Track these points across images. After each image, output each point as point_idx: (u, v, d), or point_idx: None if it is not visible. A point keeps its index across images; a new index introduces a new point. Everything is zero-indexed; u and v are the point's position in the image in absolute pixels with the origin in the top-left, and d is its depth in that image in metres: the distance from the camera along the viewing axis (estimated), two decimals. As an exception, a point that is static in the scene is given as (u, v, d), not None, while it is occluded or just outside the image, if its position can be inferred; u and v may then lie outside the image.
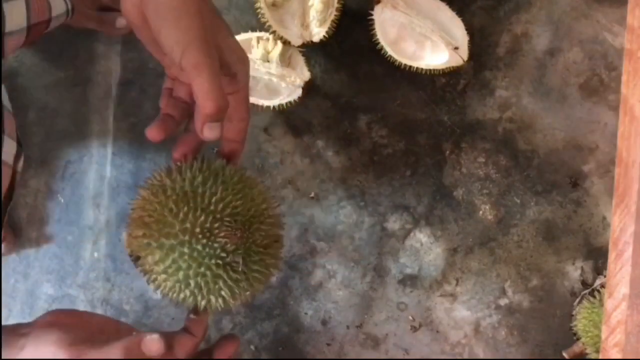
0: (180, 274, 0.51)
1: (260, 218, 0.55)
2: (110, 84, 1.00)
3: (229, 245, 0.51)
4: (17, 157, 0.77)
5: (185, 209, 0.51)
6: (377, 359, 0.93)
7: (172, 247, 0.51)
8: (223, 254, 0.51)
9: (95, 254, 0.98)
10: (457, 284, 0.92)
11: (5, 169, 0.73)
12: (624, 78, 0.85)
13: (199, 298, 0.53)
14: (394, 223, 0.94)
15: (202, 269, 0.51)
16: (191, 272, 0.51)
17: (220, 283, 0.52)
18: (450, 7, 0.90)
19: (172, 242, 0.51)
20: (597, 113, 0.92)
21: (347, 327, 0.93)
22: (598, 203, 0.91)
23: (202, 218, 0.51)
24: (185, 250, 0.51)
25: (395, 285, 0.93)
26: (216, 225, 0.51)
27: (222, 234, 0.51)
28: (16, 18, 0.60)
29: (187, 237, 0.50)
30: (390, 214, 0.94)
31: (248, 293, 0.55)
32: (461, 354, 0.92)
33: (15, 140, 0.77)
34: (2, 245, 0.98)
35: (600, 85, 0.93)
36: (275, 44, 0.90)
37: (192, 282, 0.52)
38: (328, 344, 0.93)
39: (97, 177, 0.98)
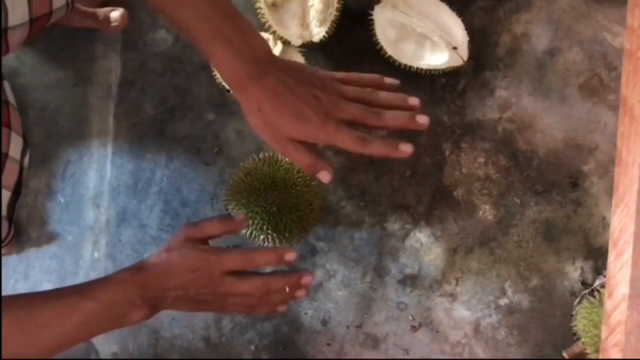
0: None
1: (292, 188, 0.81)
2: (110, 84, 1.00)
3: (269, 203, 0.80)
4: (23, 153, 0.77)
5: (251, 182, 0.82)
6: (377, 359, 0.93)
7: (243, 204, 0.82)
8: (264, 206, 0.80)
9: (95, 254, 0.98)
10: (457, 284, 0.92)
11: (12, 165, 0.74)
12: (623, 78, 0.85)
13: (256, 232, 0.82)
14: (394, 223, 0.94)
15: (255, 215, 0.81)
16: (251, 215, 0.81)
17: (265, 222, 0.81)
18: (450, 7, 0.90)
19: (243, 201, 0.82)
20: (597, 113, 0.93)
21: (347, 327, 0.93)
22: (598, 203, 0.91)
23: (256, 182, 0.81)
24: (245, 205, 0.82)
25: (395, 285, 0.93)
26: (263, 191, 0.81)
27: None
28: (18, 11, 0.60)
29: (250, 199, 0.81)
30: (390, 214, 0.94)
31: (287, 235, 0.81)
32: (461, 354, 0.92)
33: (22, 136, 0.77)
34: (2, 247, 0.98)
35: (600, 85, 0.93)
36: (275, 44, 0.90)
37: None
38: (328, 344, 0.93)
39: (97, 177, 0.99)
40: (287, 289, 0.74)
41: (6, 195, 0.76)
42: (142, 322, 0.68)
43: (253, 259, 0.72)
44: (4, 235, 0.79)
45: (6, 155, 0.74)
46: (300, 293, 0.75)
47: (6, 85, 0.79)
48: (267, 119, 0.65)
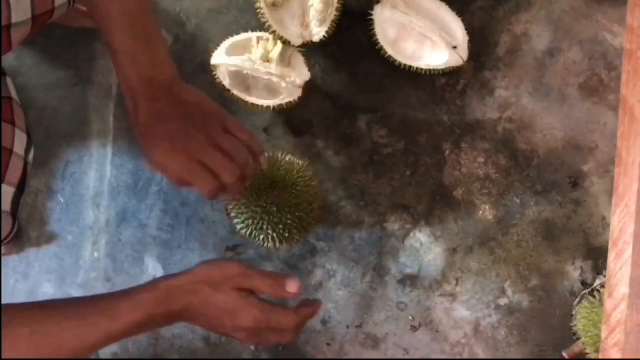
0: (243, 217, 0.82)
1: (292, 188, 0.81)
2: (110, 84, 1.00)
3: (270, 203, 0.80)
4: (27, 149, 0.78)
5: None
6: (377, 359, 0.93)
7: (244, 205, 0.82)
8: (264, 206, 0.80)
9: (95, 254, 0.98)
10: (457, 284, 0.92)
11: (17, 162, 0.74)
12: (623, 78, 0.85)
13: (255, 232, 0.82)
14: (394, 223, 0.94)
15: (255, 215, 0.81)
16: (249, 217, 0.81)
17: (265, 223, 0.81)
18: (450, 7, 0.90)
19: (243, 201, 0.81)
20: (597, 113, 0.92)
21: (347, 327, 0.93)
22: (598, 203, 0.91)
23: (255, 182, 0.80)
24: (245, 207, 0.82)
25: (395, 285, 0.93)
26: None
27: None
28: (21, 9, 0.60)
29: (250, 199, 0.81)
30: (390, 214, 0.94)
31: (287, 235, 0.81)
32: (461, 353, 0.92)
33: (26, 132, 0.78)
34: (3, 245, 0.98)
35: (600, 85, 0.93)
36: (275, 44, 0.90)
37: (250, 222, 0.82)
38: (328, 344, 0.93)
39: (97, 177, 0.99)
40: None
41: (10, 191, 0.76)
42: None
43: (296, 327, 0.71)
44: (7, 231, 0.79)
45: (11, 151, 0.74)
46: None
47: (9, 82, 0.79)
48: (142, 132, 0.69)
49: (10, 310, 0.61)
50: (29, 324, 0.60)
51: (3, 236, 0.79)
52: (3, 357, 0.58)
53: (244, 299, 0.68)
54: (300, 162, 0.85)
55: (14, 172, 0.75)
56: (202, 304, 0.67)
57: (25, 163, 0.79)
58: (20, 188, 0.78)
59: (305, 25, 0.90)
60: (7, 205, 0.75)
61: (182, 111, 0.70)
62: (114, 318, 0.64)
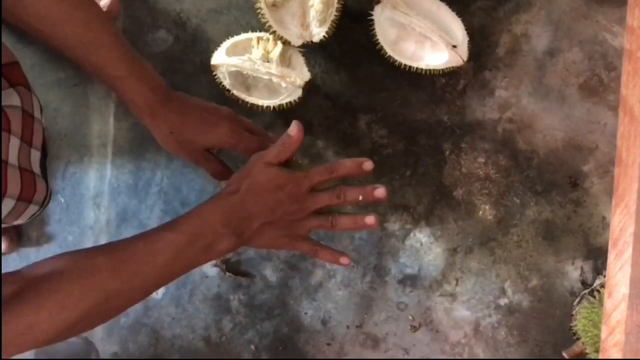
0: None
1: None
2: (110, 84, 1.00)
3: None
4: (41, 111, 0.80)
5: None
6: (377, 359, 0.93)
7: None
8: None
9: (96, 254, 0.98)
10: (457, 284, 0.92)
11: (38, 126, 0.79)
12: (623, 78, 0.85)
13: None
14: (394, 223, 0.94)
15: None
16: None
17: None
18: (450, 7, 0.90)
19: None
20: (597, 113, 0.93)
21: (347, 327, 0.93)
22: (598, 203, 0.91)
23: None
24: None
25: (395, 285, 0.93)
26: None
27: None
28: None
29: None
30: (390, 214, 0.94)
31: None
32: (461, 353, 0.92)
33: (34, 93, 0.79)
34: (3, 245, 0.98)
35: (600, 85, 0.93)
36: (276, 44, 0.90)
37: None
38: (328, 344, 0.93)
39: (97, 177, 0.99)
40: (361, 198, 0.74)
41: (37, 155, 0.78)
42: (230, 252, 0.70)
43: (336, 169, 0.74)
44: (43, 196, 0.80)
45: (32, 116, 0.75)
46: (370, 220, 0.74)
47: (4, 44, 0.79)
48: (178, 138, 0.76)
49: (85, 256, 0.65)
50: (101, 262, 0.63)
51: (41, 200, 0.80)
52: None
53: (284, 169, 0.72)
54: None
55: (37, 136, 0.77)
56: (254, 193, 0.70)
57: (42, 126, 0.80)
58: (44, 151, 0.80)
59: (305, 25, 0.90)
60: (37, 169, 0.77)
61: (194, 101, 0.79)
62: (175, 230, 0.67)
